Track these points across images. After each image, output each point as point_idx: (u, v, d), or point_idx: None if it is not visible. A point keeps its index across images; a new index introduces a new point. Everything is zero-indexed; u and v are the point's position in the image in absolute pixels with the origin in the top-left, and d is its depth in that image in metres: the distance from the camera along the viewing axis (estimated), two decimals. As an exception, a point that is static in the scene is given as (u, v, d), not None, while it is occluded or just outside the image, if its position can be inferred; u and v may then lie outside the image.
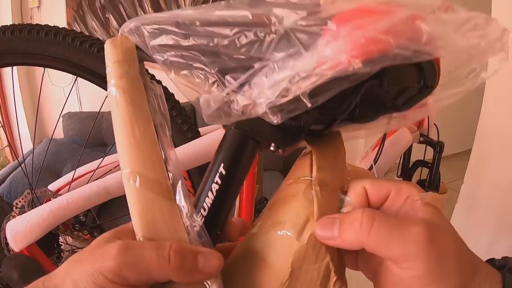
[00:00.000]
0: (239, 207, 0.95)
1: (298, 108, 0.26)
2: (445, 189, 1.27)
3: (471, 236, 2.10)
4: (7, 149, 2.36)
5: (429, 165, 1.20)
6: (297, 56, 0.25)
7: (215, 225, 0.31)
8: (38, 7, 2.22)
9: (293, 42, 0.25)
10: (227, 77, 0.28)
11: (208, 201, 0.30)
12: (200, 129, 0.82)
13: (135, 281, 0.25)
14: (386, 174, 1.08)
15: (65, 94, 2.36)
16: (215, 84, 0.29)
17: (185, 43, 0.29)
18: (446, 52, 0.27)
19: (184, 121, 0.75)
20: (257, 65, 0.27)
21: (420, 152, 1.22)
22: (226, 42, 0.27)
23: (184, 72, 0.30)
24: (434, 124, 1.18)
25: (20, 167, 1.88)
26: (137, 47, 0.32)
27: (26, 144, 2.31)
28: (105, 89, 0.76)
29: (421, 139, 1.18)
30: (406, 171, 1.27)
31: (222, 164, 0.30)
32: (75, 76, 0.73)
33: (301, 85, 0.25)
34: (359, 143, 3.23)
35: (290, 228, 0.29)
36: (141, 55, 0.33)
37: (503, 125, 1.86)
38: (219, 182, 0.30)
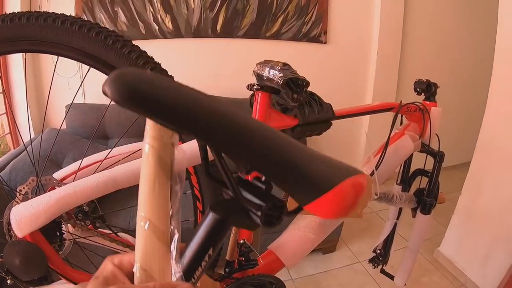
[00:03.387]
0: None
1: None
2: (444, 199, 1.27)
3: (467, 248, 2.12)
4: (8, 136, 2.35)
5: (429, 174, 1.21)
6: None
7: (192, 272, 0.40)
8: (47, -4, 2.22)
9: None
10: None
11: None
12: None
13: None
14: (385, 181, 1.09)
15: (69, 84, 2.36)
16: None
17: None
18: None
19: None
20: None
21: (420, 161, 1.23)
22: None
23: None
24: (436, 134, 1.19)
25: (21, 155, 1.88)
26: None
27: (27, 132, 2.31)
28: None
29: (422, 148, 1.19)
30: (406, 179, 1.28)
31: (212, 248, 0.39)
32: (82, 67, 0.74)
33: None
34: (360, 147, 3.24)
35: None
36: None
37: (503, 139, 1.87)
38: (207, 259, 0.39)
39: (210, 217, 0.39)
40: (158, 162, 0.38)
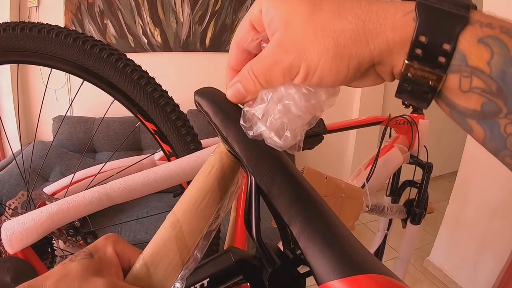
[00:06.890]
0: (236, 219, 0.94)
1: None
2: (433, 209, 1.29)
3: (456, 256, 2.13)
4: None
5: (418, 185, 1.22)
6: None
7: None
8: (36, 6, 2.20)
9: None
10: None
11: None
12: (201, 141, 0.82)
13: None
14: (375, 193, 1.09)
15: (57, 96, 2.33)
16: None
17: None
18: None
19: (187, 132, 0.75)
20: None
21: (409, 172, 1.24)
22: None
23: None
24: (424, 146, 1.21)
25: (6, 167, 1.84)
26: None
27: (13, 145, 2.27)
28: (111, 95, 0.76)
29: (410, 160, 1.21)
30: (395, 190, 1.29)
31: (208, 279, 0.38)
32: (69, 79, 0.73)
33: None
34: (346, 160, 3.26)
35: None
36: None
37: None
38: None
39: (226, 255, 0.39)
40: (219, 180, 0.36)
